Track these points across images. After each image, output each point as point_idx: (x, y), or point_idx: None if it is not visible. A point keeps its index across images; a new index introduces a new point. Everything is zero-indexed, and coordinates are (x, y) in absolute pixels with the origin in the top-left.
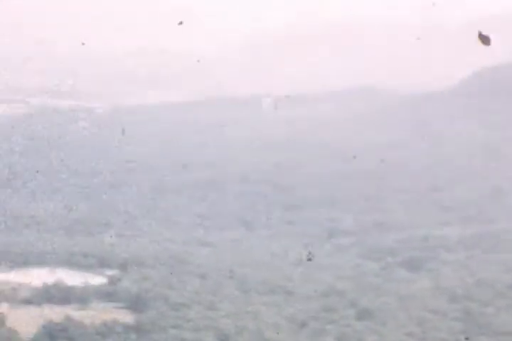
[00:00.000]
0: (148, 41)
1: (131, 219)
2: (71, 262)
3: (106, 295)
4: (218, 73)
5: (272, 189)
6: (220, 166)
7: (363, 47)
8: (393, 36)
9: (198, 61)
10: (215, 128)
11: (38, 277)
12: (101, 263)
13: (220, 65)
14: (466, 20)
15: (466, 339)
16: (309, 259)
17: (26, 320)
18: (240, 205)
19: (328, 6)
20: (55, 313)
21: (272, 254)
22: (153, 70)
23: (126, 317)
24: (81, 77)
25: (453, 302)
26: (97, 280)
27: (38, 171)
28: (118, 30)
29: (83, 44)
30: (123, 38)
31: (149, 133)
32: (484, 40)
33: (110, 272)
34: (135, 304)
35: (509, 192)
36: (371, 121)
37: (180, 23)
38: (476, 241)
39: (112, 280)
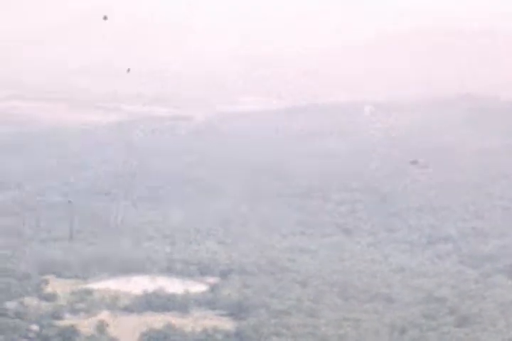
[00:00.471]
0: (245, 47)
1: (231, 226)
2: (172, 270)
3: (207, 302)
4: (316, 79)
5: (372, 196)
6: (321, 174)
7: (454, 53)
8: (484, 42)
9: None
10: (315, 135)
11: (138, 285)
12: (202, 271)
13: (317, 71)
14: None
15: None
16: None
17: (127, 327)
18: (340, 213)
19: (420, 12)
20: (155, 321)
21: (372, 261)
22: (250, 77)
23: (227, 325)
24: (176, 84)
25: None
26: (198, 287)
27: (136, 179)
28: (227, 37)
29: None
30: (226, 44)
31: (249, 141)
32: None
33: (211, 279)
34: (236, 311)
35: None
36: (473, 128)
37: None
38: None
39: (213, 288)
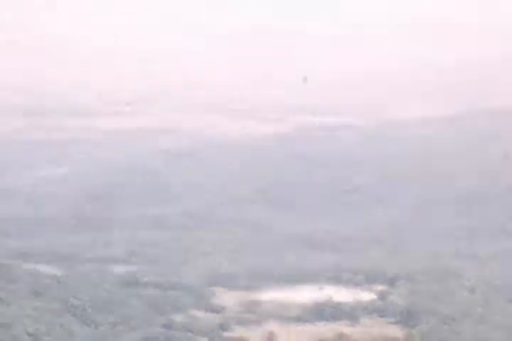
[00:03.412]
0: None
1: (398, 233)
2: (339, 279)
3: (375, 310)
4: (480, 83)
5: None
6: (484, 178)
7: None
8: None
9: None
10: (479, 142)
11: (306, 294)
12: (369, 279)
13: (479, 75)
14: None
15: None
16: None
17: (297, 337)
18: (506, 217)
19: None
20: (326, 330)
21: None
22: (415, 83)
23: (396, 333)
24: (335, 92)
25: None
26: (366, 295)
27: (300, 189)
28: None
29: None
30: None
31: (413, 149)
32: None
33: (379, 287)
34: (405, 319)
35: None
36: None
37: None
38: None
39: (381, 296)
